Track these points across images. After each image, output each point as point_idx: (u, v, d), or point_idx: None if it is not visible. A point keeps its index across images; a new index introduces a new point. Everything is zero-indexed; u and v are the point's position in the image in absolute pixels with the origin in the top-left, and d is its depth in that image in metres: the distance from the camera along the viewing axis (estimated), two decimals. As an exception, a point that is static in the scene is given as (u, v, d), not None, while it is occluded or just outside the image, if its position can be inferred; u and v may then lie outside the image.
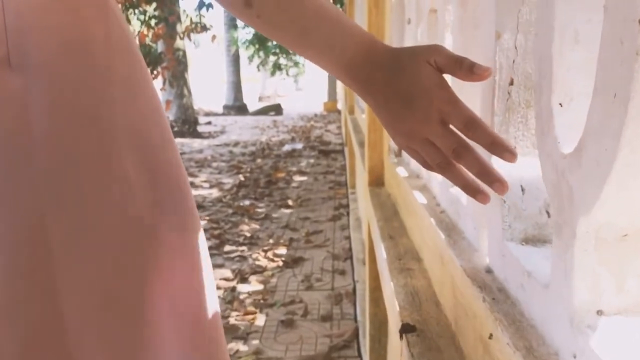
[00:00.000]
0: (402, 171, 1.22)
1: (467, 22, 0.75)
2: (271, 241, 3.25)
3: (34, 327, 0.40)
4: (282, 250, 3.08)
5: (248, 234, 3.39)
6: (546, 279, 0.45)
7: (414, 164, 1.20)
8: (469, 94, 0.74)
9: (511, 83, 0.58)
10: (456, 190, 0.80)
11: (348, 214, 3.75)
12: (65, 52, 0.42)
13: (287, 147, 7.21)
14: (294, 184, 4.94)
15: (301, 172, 5.49)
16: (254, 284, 2.62)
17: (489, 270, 0.60)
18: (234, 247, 3.14)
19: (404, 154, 1.37)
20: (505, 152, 0.44)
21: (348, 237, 3.27)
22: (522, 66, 0.58)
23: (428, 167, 0.50)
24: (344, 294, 2.48)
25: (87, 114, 0.43)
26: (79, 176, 0.42)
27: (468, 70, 0.46)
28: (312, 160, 6.23)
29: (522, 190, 0.57)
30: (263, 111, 13.37)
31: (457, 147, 0.46)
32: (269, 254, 3.00)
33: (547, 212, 0.56)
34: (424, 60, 0.47)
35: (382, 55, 0.50)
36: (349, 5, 4.83)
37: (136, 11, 7.15)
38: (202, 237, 0.54)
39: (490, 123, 0.60)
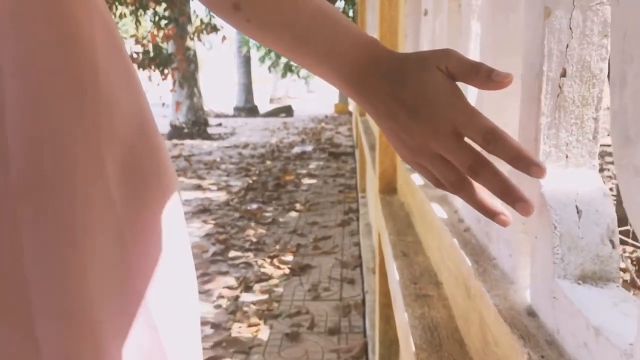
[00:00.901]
0: (417, 178, 1.09)
1: (501, 4, 0.62)
2: (278, 247, 3.13)
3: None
4: (289, 257, 2.96)
5: (254, 239, 3.28)
6: (626, 344, 0.32)
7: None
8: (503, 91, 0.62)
9: (563, 74, 0.46)
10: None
11: (358, 218, 3.63)
12: (41, 52, 0.39)
13: (296, 149, 7.10)
14: (302, 187, 4.82)
15: (310, 175, 5.37)
16: (259, 293, 2.50)
17: (532, 313, 0.47)
18: (239, 253, 3.03)
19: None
20: (533, 166, 0.38)
21: (358, 244, 3.14)
22: (579, 52, 0.45)
23: (439, 185, 0.44)
24: (353, 305, 2.35)
25: (65, 118, 0.40)
26: (57, 185, 0.39)
27: (485, 76, 0.40)
28: (322, 163, 6.11)
29: (578, 212, 0.44)
30: (274, 113, 13.29)
31: (474, 163, 0.40)
32: (275, 261, 2.88)
33: (612, 242, 0.43)
34: (434, 66, 0.42)
35: (386, 62, 0.44)
36: (361, 1, 4.71)
37: (146, 12, 7.09)
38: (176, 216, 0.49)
39: (535, 126, 0.47)
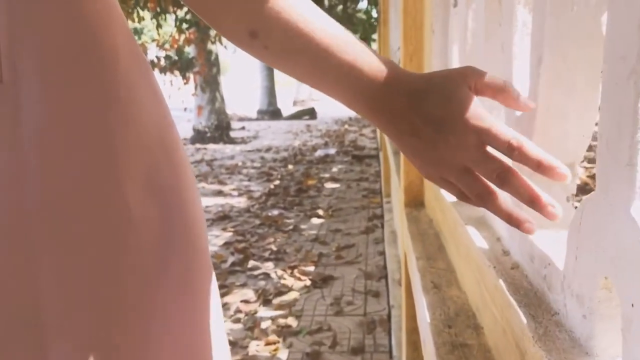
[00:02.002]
0: (447, 194, 0.95)
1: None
2: (299, 256, 3.01)
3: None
4: (310, 267, 2.83)
5: (274, 248, 3.16)
6: None
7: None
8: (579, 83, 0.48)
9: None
10: (538, 239, 0.53)
11: (382, 225, 3.48)
12: (61, 63, 0.40)
13: (319, 153, 6.97)
14: (325, 192, 4.69)
15: (333, 179, 5.24)
16: (278, 308, 2.38)
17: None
18: (258, 263, 2.91)
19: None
20: (557, 169, 0.39)
21: (382, 253, 2.99)
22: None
23: (465, 199, 0.44)
24: (378, 321, 2.21)
25: (85, 134, 0.40)
26: (73, 206, 0.40)
27: (515, 96, 0.44)
28: (345, 166, 5.98)
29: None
30: (297, 115, 13.20)
31: (501, 171, 0.41)
32: (296, 272, 2.75)
33: None
34: (459, 81, 0.43)
35: (406, 79, 0.45)
36: (384, 0, 4.57)
37: (167, 16, 7.08)
38: (211, 282, 0.50)
39: (630, 144, 0.33)
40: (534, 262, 0.52)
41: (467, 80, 0.42)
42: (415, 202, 1.25)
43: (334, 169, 5.83)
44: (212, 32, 7.94)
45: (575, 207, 0.47)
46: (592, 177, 2.69)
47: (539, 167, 0.39)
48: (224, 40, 8.01)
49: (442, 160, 0.42)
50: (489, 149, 0.41)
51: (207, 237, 0.51)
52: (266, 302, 2.43)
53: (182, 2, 0.47)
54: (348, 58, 0.44)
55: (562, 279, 0.45)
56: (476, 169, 0.42)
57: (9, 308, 0.38)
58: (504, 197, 0.42)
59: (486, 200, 0.42)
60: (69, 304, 0.39)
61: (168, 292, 0.44)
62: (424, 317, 0.73)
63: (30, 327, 0.38)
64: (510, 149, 0.40)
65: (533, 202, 0.40)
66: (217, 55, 8.61)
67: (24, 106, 0.38)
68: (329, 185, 5.00)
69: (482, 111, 0.41)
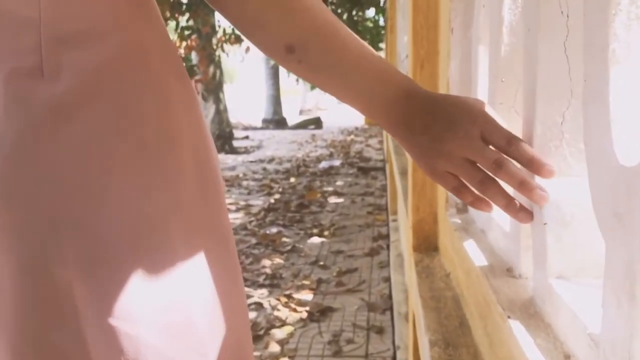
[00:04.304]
0: (472, 246, 0.70)
1: None
2: (296, 282, 2.74)
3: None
4: (308, 296, 2.57)
5: (270, 272, 2.90)
6: None
7: (495, 237, 0.67)
8: None
9: None
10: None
11: (388, 246, 3.21)
12: (103, 66, 0.40)
13: (324, 164, 6.72)
14: (328, 208, 4.43)
15: (337, 194, 4.98)
16: (270, 345, 2.11)
17: None
18: (251, 290, 2.65)
19: (472, 210, 0.84)
20: (544, 167, 0.45)
21: (388, 279, 2.73)
22: None
23: (462, 192, 0.50)
24: (381, 365, 1.94)
25: (120, 137, 0.40)
26: (103, 199, 0.39)
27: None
28: (350, 179, 5.72)
29: None
30: (302, 125, 12.98)
31: (497, 158, 0.46)
32: (291, 302, 2.49)
33: None
34: (475, 104, 0.49)
35: (423, 92, 0.50)
36: (391, 6, 4.33)
37: (168, 23, 6.89)
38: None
39: None
40: None
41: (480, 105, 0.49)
42: (426, 245, 0.99)
43: (339, 182, 5.57)
44: (215, 40, 7.74)
45: None
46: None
47: (529, 162, 0.45)
48: (226, 47, 7.82)
49: (448, 154, 0.47)
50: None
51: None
52: (256, 339, 2.16)
53: (218, 13, 0.46)
54: (375, 75, 0.48)
55: None
56: (476, 158, 0.47)
57: (43, 294, 0.38)
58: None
59: (487, 185, 0.47)
60: (98, 286, 0.39)
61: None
62: None
63: (67, 314, 0.39)
64: (508, 144, 0.46)
65: (523, 185, 0.45)
66: (220, 64, 8.40)
67: (64, 101, 0.38)
68: (333, 199, 4.74)
69: (489, 113, 0.47)
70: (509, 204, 0.47)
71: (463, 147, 0.47)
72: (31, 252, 0.38)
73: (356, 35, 0.48)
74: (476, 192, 0.49)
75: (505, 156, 0.46)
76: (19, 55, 0.38)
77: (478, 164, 0.47)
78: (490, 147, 0.47)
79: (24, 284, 0.38)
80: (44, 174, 0.38)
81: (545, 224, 0.48)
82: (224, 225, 0.49)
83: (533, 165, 0.45)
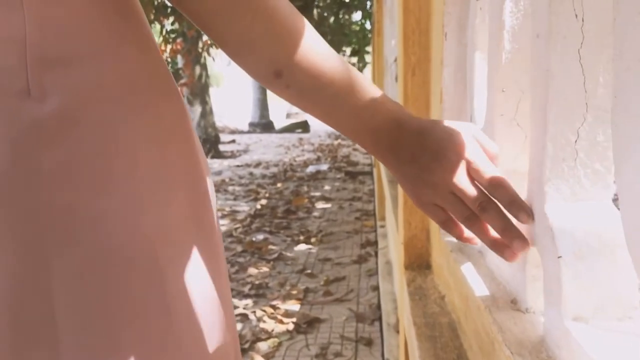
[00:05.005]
0: (469, 270, 0.64)
1: None
2: (282, 292, 2.67)
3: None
4: (295, 306, 2.50)
5: (256, 281, 2.83)
6: None
7: (495, 262, 0.62)
8: None
9: None
10: None
11: (376, 253, 3.16)
12: (91, 89, 0.39)
13: (311, 169, 6.66)
14: (315, 213, 4.37)
15: (325, 199, 4.92)
16: (255, 359, 2.04)
17: None
18: (236, 301, 2.58)
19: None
20: (522, 211, 0.45)
21: (376, 288, 2.67)
22: None
23: (448, 225, 0.50)
24: (370, 379, 1.88)
25: (109, 160, 0.39)
26: (89, 219, 0.38)
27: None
28: (337, 184, 5.66)
29: None
30: (289, 128, 12.92)
31: (483, 201, 0.46)
32: (278, 313, 2.42)
33: None
34: (466, 133, 0.48)
35: (412, 121, 0.49)
36: (378, 9, 4.30)
37: (154, 26, 6.79)
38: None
39: None
40: None
41: (472, 132, 0.49)
42: (419, 263, 0.93)
43: (326, 187, 5.51)
44: (200, 44, 7.65)
45: None
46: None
47: (510, 204, 0.45)
48: (212, 52, 7.73)
49: (436, 185, 0.47)
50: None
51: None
52: (241, 352, 2.09)
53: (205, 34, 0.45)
54: (363, 99, 0.48)
55: None
56: (461, 195, 0.46)
57: (24, 310, 0.37)
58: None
59: (473, 222, 0.47)
60: (81, 306, 0.38)
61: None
62: None
63: (44, 329, 0.38)
64: (491, 184, 0.46)
65: (506, 232, 0.45)
66: (206, 65, 8.30)
67: (51, 119, 0.37)
68: (320, 205, 4.68)
69: (477, 146, 0.48)
70: (494, 242, 0.46)
71: (449, 182, 0.46)
72: (15, 271, 0.37)
73: (346, 62, 0.48)
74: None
75: (490, 199, 0.46)
76: (4, 75, 0.37)
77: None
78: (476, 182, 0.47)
79: (10, 306, 0.37)
80: (29, 195, 0.37)
81: (559, 257, 0.42)
82: (216, 244, 0.48)
83: (512, 208, 0.45)
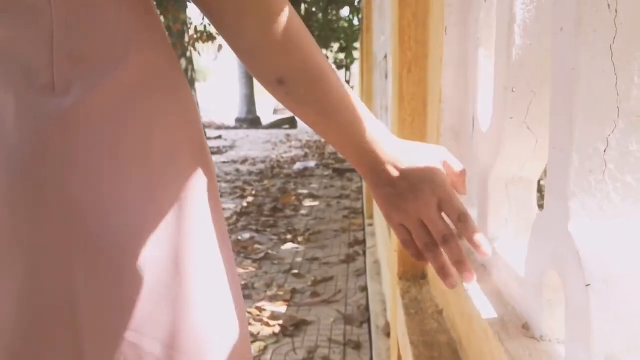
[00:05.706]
0: (472, 286, 0.58)
1: None
2: (269, 293, 2.61)
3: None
4: (281, 308, 2.44)
5: (242, 282, 2.76)
6: None
7: (503, 280, 0.56)
8: None
9: None
10: None
11: (364, 252, 3.11)
12: (113, 85, 0.41)
13: (298, 166, 6.59)
14: (303, 211, 4.31)
15: (312, 196, 4.86)
16: (240, 363, 1.98)
17: None
18: (221, 302, 2.51)
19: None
20: (482, 246, 0.51)
21: (365, 289, 2.62)
22: None
23: (409, 246, 0.55)
24: (359, 384, 1.83)
25: (127, 152, 0.42)
26: (110, 223, 0.41)
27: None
28: (325, 181, 5.61)
29: None
30: (277, 124, 12.83)
31: (447, 234, 0.52)
32: (264, 315, 2.36)
33: None
34: (437, 158, 0.54)
35: (391, 154, 0.53)
36: (367, 5, 4.23)
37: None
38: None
39: None
40: None
41: (444, 158, 0.55)
42: (414, 272, 0.88)
43: (314, 184, 5.45)
44: (187, 37, 7.53)
45: None
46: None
47: (471, 240, 0.52)
48: (198, 46, 7.61)
49: (407, 210, 0.53)
50: (442, 214, 0.52)
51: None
52: (226, 357, 2.02)
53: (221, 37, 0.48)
54: (354, 114, 0.52)
55: None
56: (428, 225, 0.52)
57: (46, 308, 0.40)
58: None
59: (431, 249, 0.53)
60: (102, 304, 0.40)
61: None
62: None
63: (66, 328, 0.40)
64: (458, 219, 0.52)
65: (459, 264, 0.52)
66: (192, 59, 8.18)
67: (75, 116, 0.39)
68: (308, 202, 4.62)
69: (448, 185, 0.53)
70: (441, 269, 0.52)
71: (420, 212, 0.52)
72: (39, 263, 0.40)
73: (345, 83, 0.52)
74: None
75: (453, 233, 0.52)
76: (30, 72, 0.39)
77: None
78: (444, 215, 0.52)
79: (31, 290, 0.40)
80: (53, 187, 0.39)
81: (588, 285, 0.36)
82: (223, 231, 0.51)
83: (472, 244, 0.51)
